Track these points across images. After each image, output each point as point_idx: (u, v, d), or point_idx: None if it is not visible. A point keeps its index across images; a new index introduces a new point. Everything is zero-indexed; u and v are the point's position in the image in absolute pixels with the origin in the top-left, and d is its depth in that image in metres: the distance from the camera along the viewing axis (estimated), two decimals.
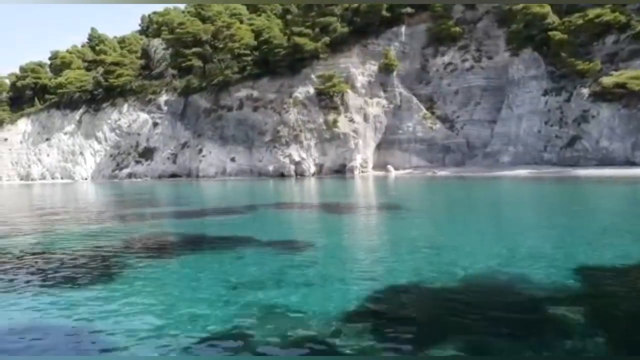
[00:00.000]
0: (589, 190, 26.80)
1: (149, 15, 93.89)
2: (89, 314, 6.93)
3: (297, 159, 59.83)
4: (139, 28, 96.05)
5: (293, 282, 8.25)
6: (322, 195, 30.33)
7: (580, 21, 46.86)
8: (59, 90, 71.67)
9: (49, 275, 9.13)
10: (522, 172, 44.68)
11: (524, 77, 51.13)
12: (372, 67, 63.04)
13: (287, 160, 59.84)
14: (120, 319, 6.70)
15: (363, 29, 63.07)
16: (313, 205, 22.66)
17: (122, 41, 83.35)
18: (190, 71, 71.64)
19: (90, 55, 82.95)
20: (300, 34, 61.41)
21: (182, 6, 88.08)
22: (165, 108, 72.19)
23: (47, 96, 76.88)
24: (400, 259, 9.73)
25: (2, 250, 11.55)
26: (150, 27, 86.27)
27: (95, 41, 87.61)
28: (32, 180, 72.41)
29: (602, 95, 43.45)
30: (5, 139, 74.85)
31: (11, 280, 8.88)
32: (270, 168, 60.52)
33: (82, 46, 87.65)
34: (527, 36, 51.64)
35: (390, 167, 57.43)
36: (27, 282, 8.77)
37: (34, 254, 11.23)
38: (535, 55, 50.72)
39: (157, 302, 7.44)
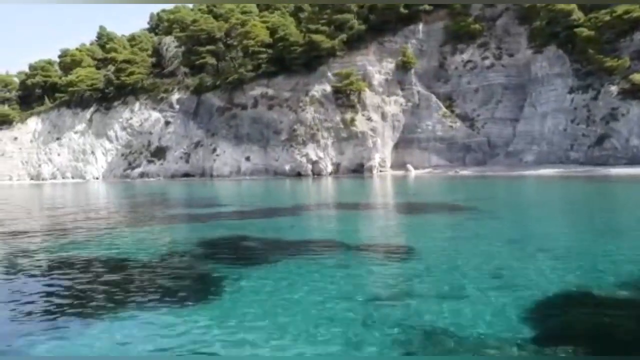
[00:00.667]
0: (638, 190, 25.94)
1: (158, 14, 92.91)
2: (199, 338, 5.83)
3: (314, 158, 58.91)
4: (147, 26, 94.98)
5: (423, 293, 7.32)
6: (360, 194, 29.35)
7: (608, 17, 45.93)
8: (70, 89, 70.65)
9: (134, 290, 7.95)
10: (549, 171, 43.75)
11: (548, 75, 50.19)
12: (389, 65, 62.10)
13: (304, 160, 58.91)
14: (242, 348, 5.50)
15: (380, 26, 62.10)
16: (364, 205, 21.61)
17: (132, 39, 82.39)
18: (202, 69, 70.73)
19: (99, 54, 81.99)
20: (316, 31, 60.47)
21: (189, 4, 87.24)
22: (177, 106, 71.24)
23: (57, 95, 75.86)
24: (524, 264, 8.82)
25: (63, 259, 10.50)
26: (161, 25, 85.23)
27: (104, 39, 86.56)
28: (42, 179, 71.46)
29: (632, 93, 42.56)
30: (15, 138, 73.86)
31: (89, 299, 7.62)
32: (287, 167, 59.58)
33: (91, 44, 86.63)
34: (551, 33, 50.74)
35: (409, 166, 56.51)
36: (110, 298, 7.60)
37: (102, 262, 10.20)
38: (559, 53, 49.78)
39: (281, 323, 6.27)
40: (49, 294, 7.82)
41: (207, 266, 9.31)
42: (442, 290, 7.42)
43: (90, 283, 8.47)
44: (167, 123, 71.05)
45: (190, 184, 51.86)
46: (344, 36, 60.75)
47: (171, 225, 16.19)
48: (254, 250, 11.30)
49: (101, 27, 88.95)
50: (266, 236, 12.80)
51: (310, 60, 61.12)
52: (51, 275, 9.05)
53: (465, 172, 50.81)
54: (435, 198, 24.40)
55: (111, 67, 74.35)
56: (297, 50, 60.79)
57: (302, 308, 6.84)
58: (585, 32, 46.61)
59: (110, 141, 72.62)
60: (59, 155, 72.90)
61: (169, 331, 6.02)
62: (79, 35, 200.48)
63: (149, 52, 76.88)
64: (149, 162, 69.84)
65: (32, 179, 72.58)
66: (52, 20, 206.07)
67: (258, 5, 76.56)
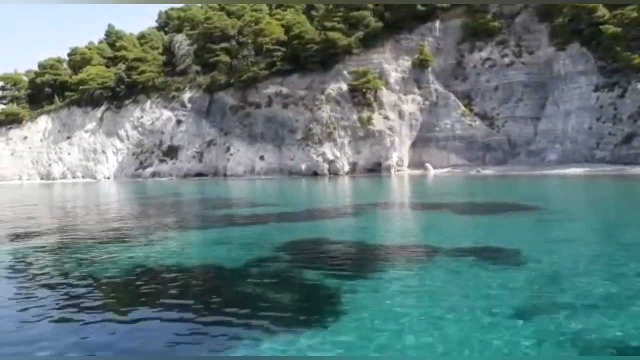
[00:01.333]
0: None
1: (166, 12, 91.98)
2: None
3: (330, 157, 58.09)
4: (155, 24, 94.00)
5: (572, 301, 6.53)
6: (398, 193, 28.60)
7: (635, 14, 45.16)
8: (81, 87, 69.76)
9: (259, 307, 6.86)
10: (576, 170, 42.98)
11: (572, 73, 49.38)
12: (406, 63, 61.28)
13: (320, 159, 58.09)
14: None
15: (396, 24, 61.30)
16: (418, 205, 20.74)
17: (141, 37, 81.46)
18: (214, 67, 69.84)
19: (108, 52, 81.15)
20: (332, 29, 59.63)
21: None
22: (189, 105, 70.40)
23: (66, 93, 75.00)
24: None
25: (152, 268, 9.63)
26: (171, 24, 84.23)
27: (112, 37, 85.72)
28: (52, 179, 70.59)
29: None
30: (25, 137, 72.98)
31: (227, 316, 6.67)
32: (303, 167, 58.75)
33: (100, 43, 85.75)
34: (574, 30, 49.94)
35: (428, 165, 55.68)
36: (239, 316, 6.51)
37: (190, 270, 9.28)
38: (583, 50, 48.97)
39: (440, 337, 5.38)
40: (170, 308, 6.99)
41: (312, 275, 8.47)
42: (590, 298, 6.65)
43: (204, 296, 7.65)
44: (178, 122, 70.20)
45: (208, 184, 51.01)
46: (360, 34, 59.96)
47: (233, 226, 15.33)
48: (349, 254, 10.47)
49: (109, 26, 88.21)
50: (347, 239, 11.98)
51: (326, 58, 60.30)
52: (163, 289, 8.21)
53: (487, 171, 50.06)
54: (486, 198, 23.55)
55: (122, 66, 73.48)
56: (312, 48, 59.96)
57: (451, 321, 6.05)
58: (611, 29, 45.81)
59: (121, 140, 71.77)
60: (69, 154, 72.04)
61: None
62: (79, 34, 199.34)
63: (160, 51, 75.98)
64: (161, 161, 69.01)
65: (42, 178, 71.73)
66: (53, 20, 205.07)
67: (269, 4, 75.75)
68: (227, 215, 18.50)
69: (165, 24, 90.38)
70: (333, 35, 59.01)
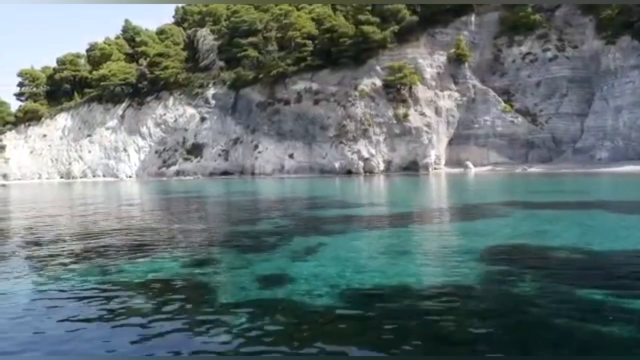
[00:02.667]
0: None
1: (183, 7, 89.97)
2: None
3: (365, 155, 56.17)
4: (172, 20, 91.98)
5: None
6: (472, 193, 26.57)
7: None
8: (102, 83, 67.76)
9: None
10: (635, 168, 41.03)
11: (622, 67, 47.49)
12: (441, 57, 59.45)
13: (355, 157, 56.18)
14: None
15: (430, 17, 59.44)
16: (516, 204, 18.78)
17: (161, 32, 79.49)
18: (238, 63, 67.89)
19: (127, 48, 79.19)
20: (366, 22, 57.72)
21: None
22: (213, 102, 68.50)
23: (86, 90, 73.06)
24: None
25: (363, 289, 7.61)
26: (190, 19, 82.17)
27: (130, 33, 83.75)
28: (72, 178, 68.60)
29: None
30: (44, 135, 70.98)
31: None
32: (336, 165, 56.81)
33: (117, 38, 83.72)
34: (624, 23, 48.08)
35: (469, 163, 53.76)
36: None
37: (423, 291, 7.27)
38: (635, 43, 47.10)
39: None
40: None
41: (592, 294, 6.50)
42: None
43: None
44: (202, 119, 68.30)
45: (244, 182, 48.97)
46: (395, 27, 58.02)
47: (396, 228, 13.42)
48: (598, 264, 8.49)
49: (127, 21, 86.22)
50: (557, 243, 10.01)
51: (359, 53, 58.38)
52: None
53: (534, 169, 48.11)
54: (601, 196, 21.54)
55: (143, 61, 71.56)
56: (345, 43, 58.03)
57: None
58: None
59: (144, 138, 69.83)
60: (89, 152, 70.08)
61: None
62: (78, 35, 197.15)
63: (181, 46, 74.00)
64: (185, 159, 67.08)
65: (61, 177, 69.74)
66: (63, 18, 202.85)
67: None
68: (359, 216, 16.47)
69: (183, 19, 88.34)
70: (367, 29, 57.14)
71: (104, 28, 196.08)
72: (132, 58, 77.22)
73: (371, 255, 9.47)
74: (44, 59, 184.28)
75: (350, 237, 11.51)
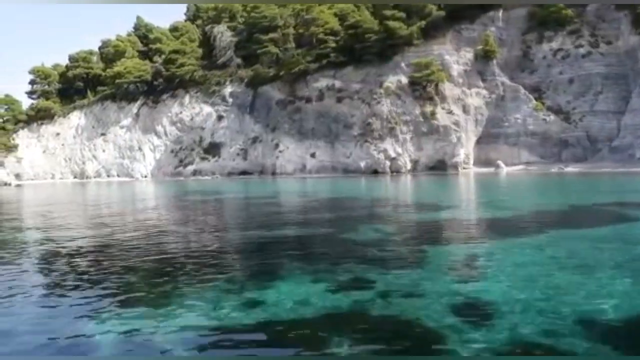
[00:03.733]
0: None
1: (196, 4, 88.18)
2: None
3: (392, 154, 54.51)
4: (184, 17, 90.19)
5: None
6: (540, 194, 24.89)
7: None
8: (117, 81, 65.98)
9: None
10: None
11: None
12: (468, 54, 57.81)
13: (381, 156, 54.52)
14: None
15: (456, 13, 57.77)
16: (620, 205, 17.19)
17: (174, 29, 77.72)
18: (256, 60, 66.16)
19: (139, 45, 77.46)
20: (392, 18, 56.05)
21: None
22: (230, 100, 66.79)
23: (99, 87, 71.32)
24: None
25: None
26: (203, 16, 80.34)
27: (142, 30, 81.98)
28: (86, 178, 66.84)
29: None
30: (57, 134, 69.20)
31: None
32: (362, 164, 55.14)
33: (129, 35, 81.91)
34: None
35: (500, 163, 52.10)
36: None
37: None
38: None
39: None
40: None
41: None
42: None
43: None
44: (219, 117, 66.57)
45: (271, 182, 47.33)
46: (422, 23, 56.34)
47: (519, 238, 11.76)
48: None
49: (138, 18, 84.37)
50: None
51: (384, 50, 56.72)
52: None
53: (570, 169, 46.48)
54: None
55: (158, 58, 69.87)
56: (371, 39, 56.35)
57: None
58: None
59: (159, 137, 68.11)
60: (104, 151, 68.32)
61: None
62: (81, 34, 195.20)
63: (196, 43, 72.23)
64: (202, 159, 65.35)
65: (75, 177, 68.00)
66: (75, 16, 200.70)
67: None
68: (467, 220, 14.80)
69: (196, 16, 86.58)
70: (393, 24, 55.47)
71: (104, 28, 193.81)
72: (145, 55, 75.49)
73: (545, 270, 7.75)
74: (52, 58, 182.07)
75: (500, 247, 9.83)
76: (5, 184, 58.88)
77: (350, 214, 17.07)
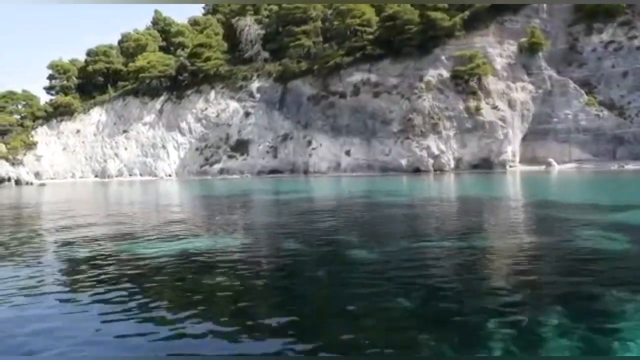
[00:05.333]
0: None
1: None
2: None
3: (435, 151, 51.89)
4: (203, 11, 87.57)
5: None
6: None
7: None
8: (141, 75, 63.25)
9: None
10: None
11: None
12: (511, 47, 55.19)
13: (424, 154, 51.90)
14: None
15: (499, 4, 55.13)
16: None
17: (195, 23, 75.06)
18: (284, 54, 63.52)
19: (160, 39, 74.80)
20: (434, 9, 53.44)
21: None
22: (258, 95, 64.17)
23: (120, 82, 68.65)
24: None
25: None
26: (226, 8, 77.62)
27: (160, 24, 79.35)
28: (108, 177, 64.11)
29: None
30: (78, 131, 66.44)
31: None
32: (403, 162, 52.52)
33: (147, 29, 79.25)
34: None
35: (552, 160, 49.47)
36: None
37: None
38: None
39: None
40: None
41: None
42: None
43: None
44: (247, 114, 63.95)
45: (317, 181, 44.67)
46: (466, 13, 53.76)
47: None
48: None
49: (157, 12, 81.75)
50: None
51: (425, 42, 54.11)
52: None
53: (631, 166, 43.88)
54: None
55: (181, 52, 67.22)
56: (411, 30, 53.73)
57: None
58: None
59: (183, 134, 65.45)
60: (126, 149, 65.62)
61: None
62: (81, 34, 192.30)
63: (219, 37, 69.53)
64: (230, 157, 62.69)
65: (96, 176, 65.28)
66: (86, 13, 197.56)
67: None
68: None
69: (215, 10, 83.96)
70: (435, 15, 52.84)
71: (103, 28, 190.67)
72: (166, 50, 72.84)
73: None
74: (51, 56, 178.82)
75: None
76: (27, 183, 56.28)
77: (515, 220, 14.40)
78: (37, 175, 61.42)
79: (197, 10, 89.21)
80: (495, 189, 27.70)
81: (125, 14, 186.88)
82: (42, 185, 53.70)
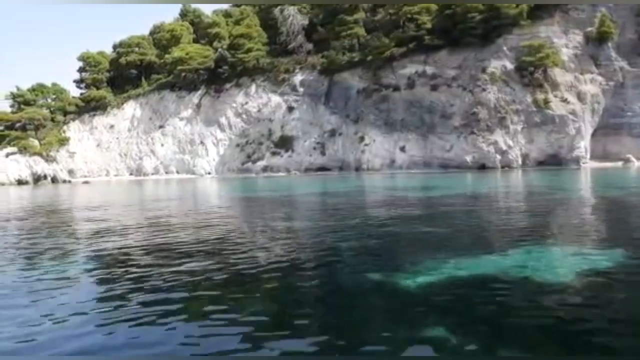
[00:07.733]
0: None
1: None
2: None
3: (503, 147, 48.93)
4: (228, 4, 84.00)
5: None
6: None
7: None
8: (179, 67, 59.92)
9: None
10: None
11: None
12: (577, 37, 52.42)
13: (491, 149, 48.93)
14: None
15: None
16: None
17: (228, 15, 71.67)
18: (329, 45, 60.31)
19: (191, 31, 71.46)
20: None
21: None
22: (301, 89, 61.01)
23: (153, 75, 65.32)
24: None
25: None
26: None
27: (190, 17, 76.00)
28: (144, 175, 60.79)
29: None
30: (112, 126, 63.04)
31: None
32: (468, 158, 49.51)
33: (177, 21, 75.82)
34: None
35: (631, 157, 46.67)
36: None
37: None
38: None
39: None
40: None
41: None
42: None
43: None
44: (290, 108, 60.77)
45: (387, 180, 41.55)
46: (531, 1, 50.78)
47: None
48: None
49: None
50: None
51: (488, 31, 51.15)
52: None
53: None
54: None
55: (218, 44, 63.95)
56: (474, 19, 50.74)
57: None
58: None
59: (222, 130, 62.19)
60: (162, 146, 62.27)
61: None
62: (81, 34, 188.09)
63: (259, 28, 66.19)
64: (274, 154, 59.47)
65: (131, 173, 61.90)
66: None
67: None
68: None
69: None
70: (501, 2, 49.83)
71: (104, 28, 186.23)
72: (198, 42, 69.48)
73: None
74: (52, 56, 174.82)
75: None
76: (64, 181, 52.93)
77: None
78: (70, 172, 58.02)
79: (220, 5, 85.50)
80: (601, 189, 24.28)
81: (128, 13, 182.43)
82: (86, 183, 50.45)
